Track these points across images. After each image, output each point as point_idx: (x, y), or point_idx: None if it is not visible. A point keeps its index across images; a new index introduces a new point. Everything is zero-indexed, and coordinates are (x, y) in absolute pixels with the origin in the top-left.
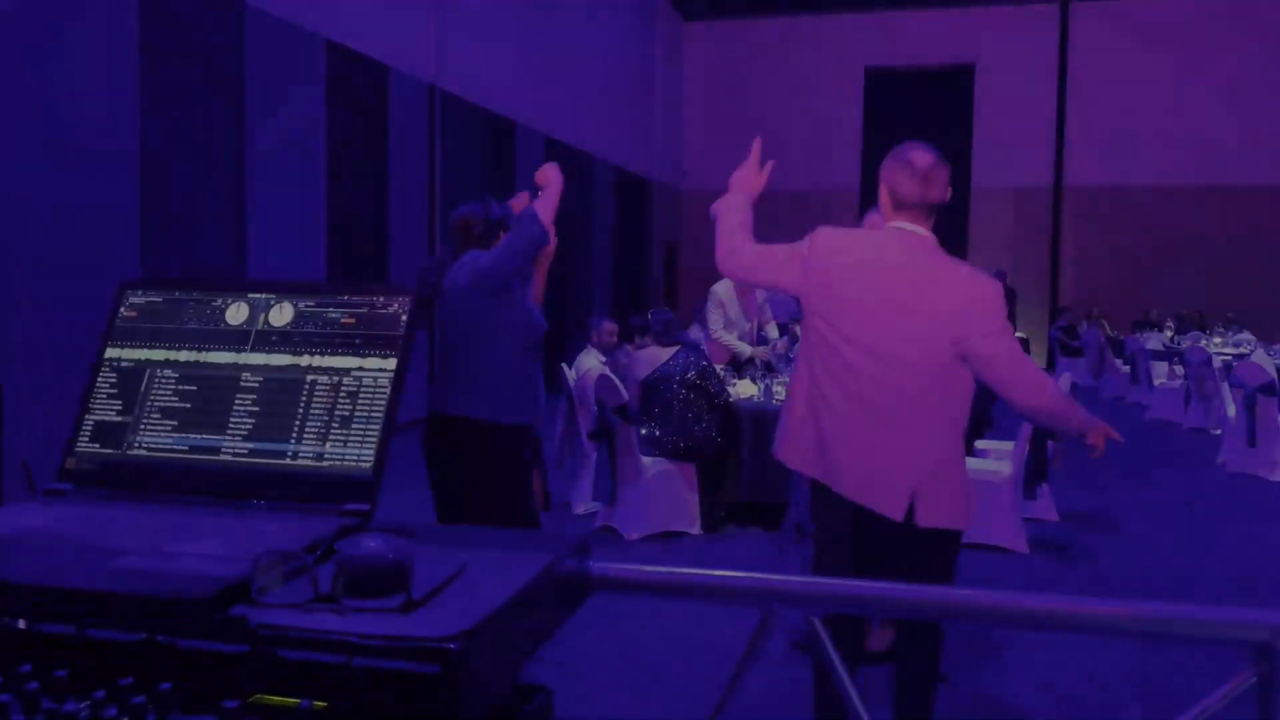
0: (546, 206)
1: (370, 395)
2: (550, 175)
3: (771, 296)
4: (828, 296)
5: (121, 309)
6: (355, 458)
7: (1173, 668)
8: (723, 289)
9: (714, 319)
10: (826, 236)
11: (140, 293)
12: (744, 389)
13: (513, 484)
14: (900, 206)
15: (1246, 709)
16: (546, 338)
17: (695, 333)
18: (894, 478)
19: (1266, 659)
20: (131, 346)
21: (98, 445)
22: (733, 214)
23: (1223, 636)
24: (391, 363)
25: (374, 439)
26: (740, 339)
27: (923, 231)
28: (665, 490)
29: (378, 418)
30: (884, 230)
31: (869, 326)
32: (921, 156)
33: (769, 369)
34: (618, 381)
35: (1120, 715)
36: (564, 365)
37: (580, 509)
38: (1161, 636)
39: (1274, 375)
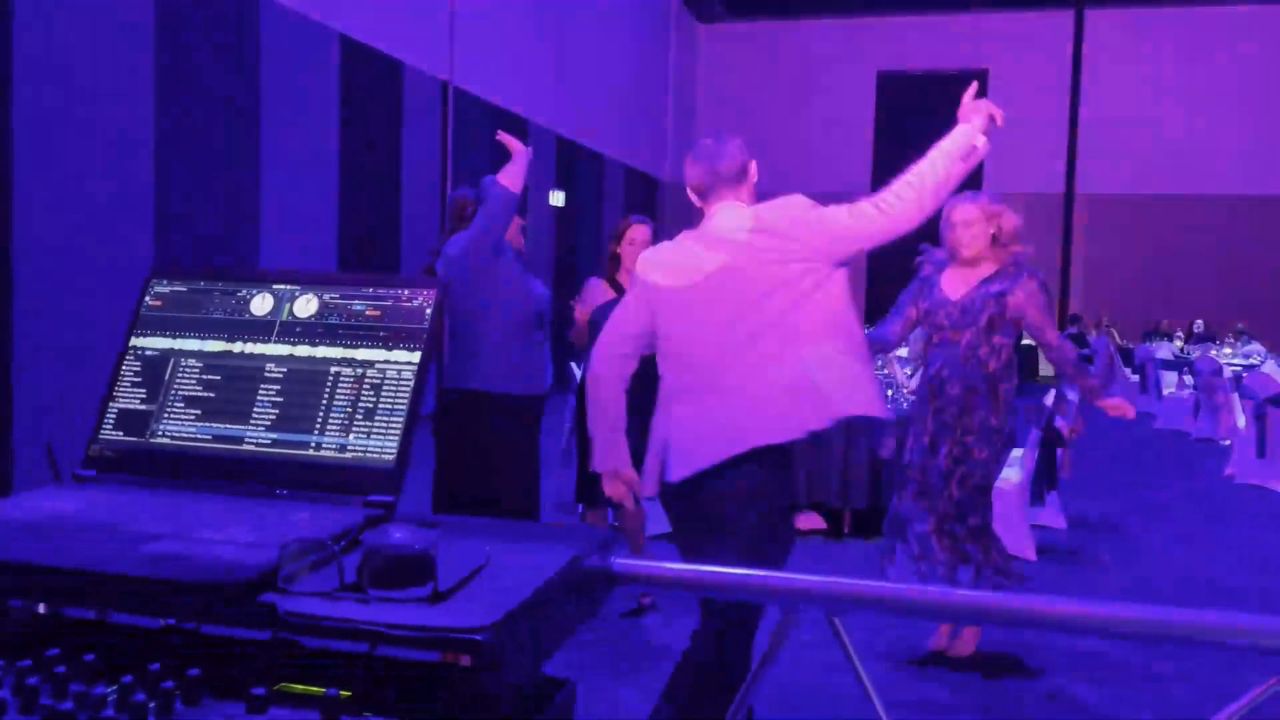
0: (513, 170)
1: (394, 388)
2: (512, 141)
3: None
4: None
5: (147, 298)
6: (378, 449)
7: (1181, 675)
8: None
9: None
10: None
11: (166, 282)
12: None
13: (513, 457)
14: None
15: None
16: (556, 334)
17: None
18: None
19: None
20: (156, 335)
21: (121, 433)
22: None
23: (1252, 643)
24: (415, 355)
25: (397, 431)
26: None
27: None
28: None
29: (401, 410)
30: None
31: None
32: (705, 140)
33: None
34: None
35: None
36: (572, 364)
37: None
38: (1189, 642)
39: None
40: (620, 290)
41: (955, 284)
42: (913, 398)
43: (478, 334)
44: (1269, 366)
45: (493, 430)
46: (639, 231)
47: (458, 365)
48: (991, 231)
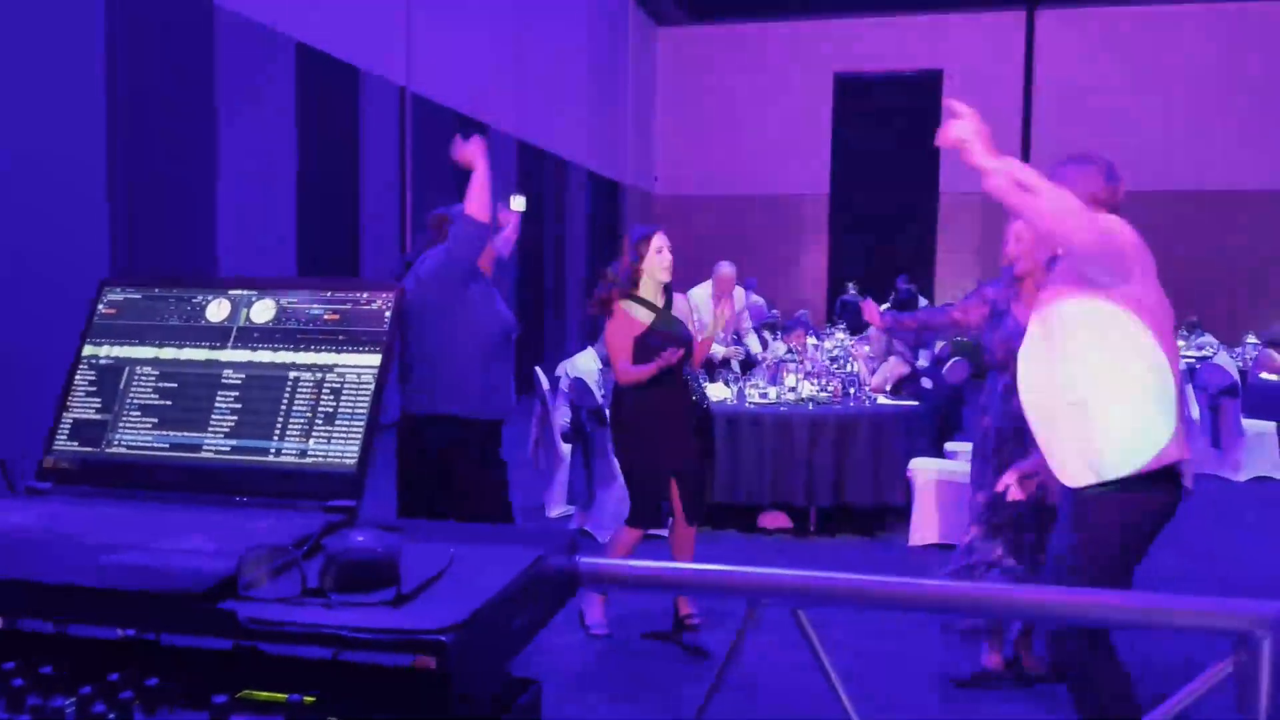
0: (476, 193)
1: (354, 392)
2: (471, 153)
3: (749, 303)
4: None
5: (100, 306)
6: (339, 454)
7: (1142, 661)
8: (699, 295)
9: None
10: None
11: (119, 290)
12: (716, 391)
13: (485, 483)
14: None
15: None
16: (518, 339)
17: None
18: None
19: (1245, 647)
20: (110, 344)
21: (76, 443)
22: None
23: (1204, 625)
24: (375, 359)
25: (358, 436)
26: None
27: None
28: None
29: (361, 414)
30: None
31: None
32: (1100, 156)
33: (744, 368)
34: (591, 384)
35: None
36: (537, 368)
37: (554, 512)
38: (1144, 626)
39: (1236, 377)
40: (647, 305)
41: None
42: (875, 395)
43: (450, 359)
44: (1221, 358)
45: (464, 454)
46: (664, 238)
47: (427, 390)
48: (1047, 253)
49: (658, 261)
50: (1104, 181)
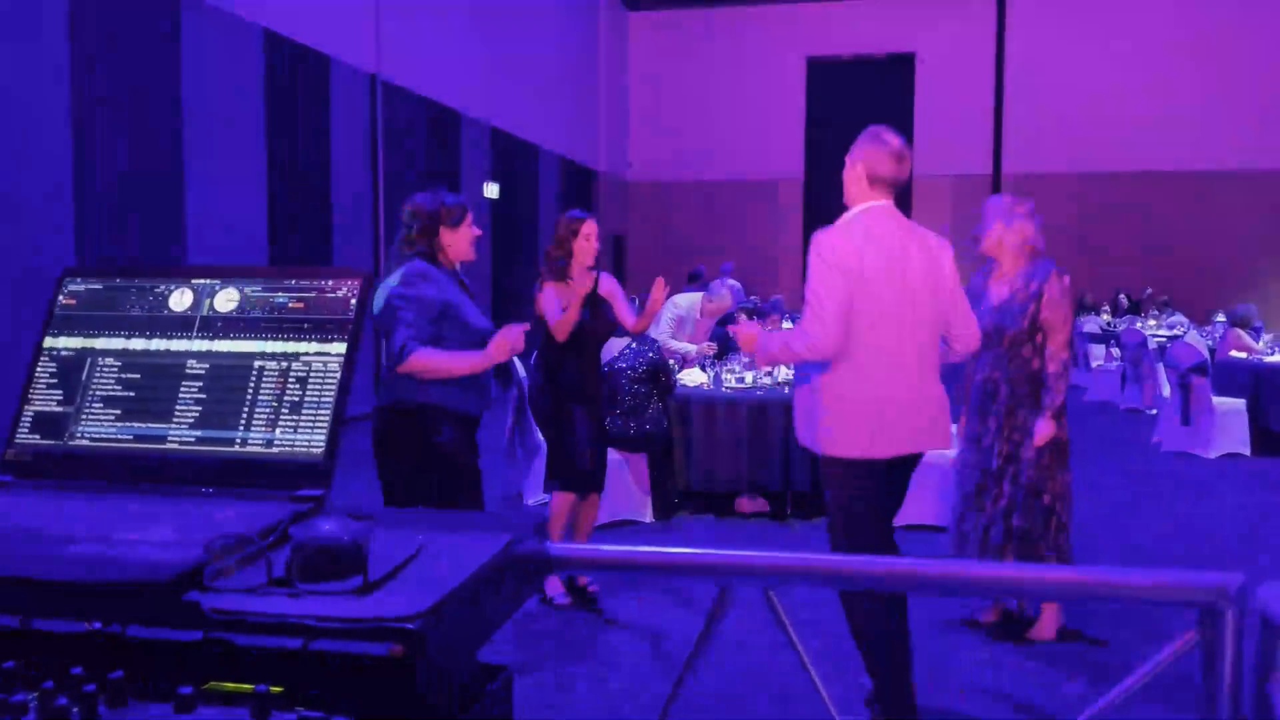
0: (448, 365)
1: (320, 380)
2: (500, 344)
3: (725, 286)
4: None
5: (60, 297)
6: (306, 443)
7: (1107, 641)
8: (686, 304)
9: (666, 326)
10: (831, 240)
11: (80, 280)
12: (694, 377)
13: (462, 475)
14: (877, 184)
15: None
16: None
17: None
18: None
19: (1209, 619)
20: (71, 335)
21: (38, 436)
22: (773, 346)
23: (1168, 599)
24: (341, 347)
25: (325, 424)
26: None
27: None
28: (616, 480)
29: (328, 403)
30: (871, 211)
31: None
32: (895, 138)
33: (718, 357)
34: None
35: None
36: (514, 359)
37: (531, 500)
38: (1111, 600)
39: (1206, 355)
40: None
41: (999, 288)
42: None
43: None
44: (1191, 336)
45: (442, 444)
46: (593, 226)
47: (404, 382)
48: (1012, 237)
49: (585, 248)
50: (893, 165)
